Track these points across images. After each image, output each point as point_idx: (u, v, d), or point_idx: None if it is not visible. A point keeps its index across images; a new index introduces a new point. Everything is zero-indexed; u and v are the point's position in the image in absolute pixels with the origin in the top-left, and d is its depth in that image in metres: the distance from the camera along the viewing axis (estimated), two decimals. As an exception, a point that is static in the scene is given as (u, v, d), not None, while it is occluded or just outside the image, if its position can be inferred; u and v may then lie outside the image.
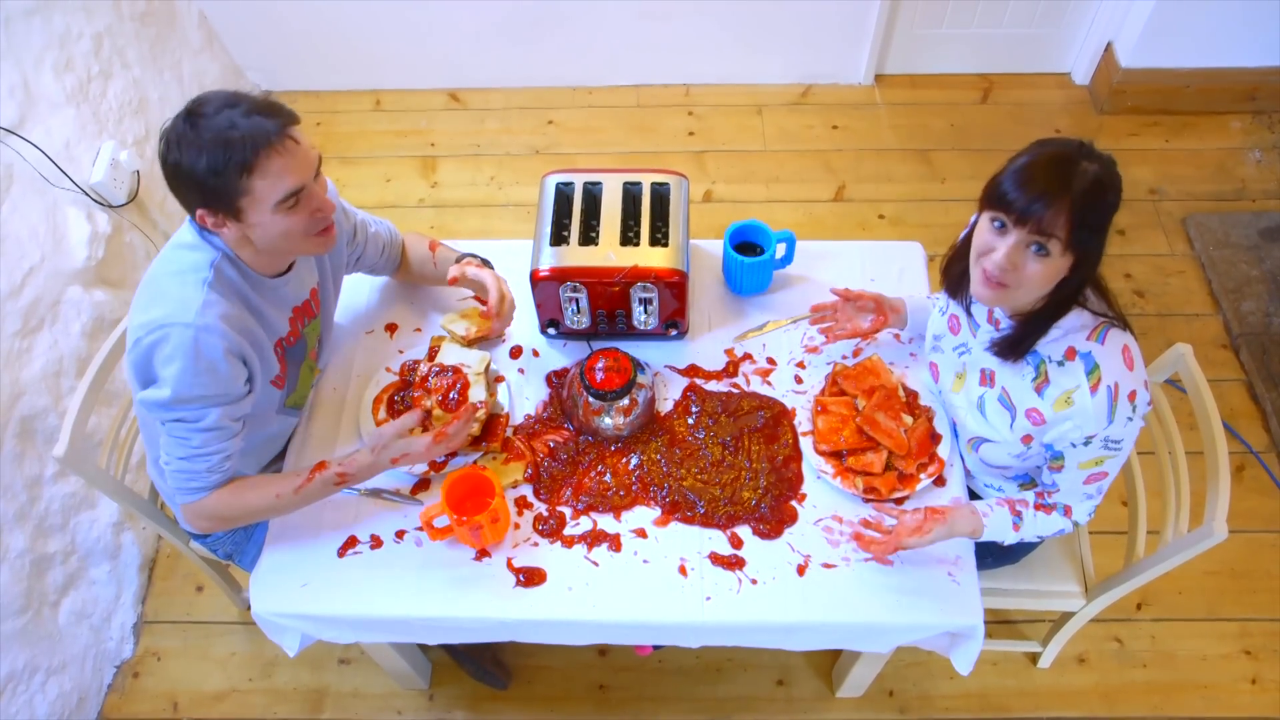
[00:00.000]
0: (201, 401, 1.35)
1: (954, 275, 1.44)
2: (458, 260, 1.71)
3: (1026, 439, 1.41)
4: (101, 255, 2.23)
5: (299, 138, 1.32)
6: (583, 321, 1.72)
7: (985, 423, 1.46)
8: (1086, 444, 1.33)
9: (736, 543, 1.52)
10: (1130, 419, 1.31)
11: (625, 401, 1.59)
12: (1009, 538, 1.45)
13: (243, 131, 1.26)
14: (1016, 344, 1.35)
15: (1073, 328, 1.32)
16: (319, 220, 1.37)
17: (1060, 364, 1.32)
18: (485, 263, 1.72)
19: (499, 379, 1.71)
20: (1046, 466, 1.43)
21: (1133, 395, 1.29)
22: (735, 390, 1.70)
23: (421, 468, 1.60)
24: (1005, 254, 1.24)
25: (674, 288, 1.64)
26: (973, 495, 1.63)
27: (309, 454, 1.64)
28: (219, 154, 1.25)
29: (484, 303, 1.67)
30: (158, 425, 1.39)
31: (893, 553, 1.44)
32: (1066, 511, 1.44)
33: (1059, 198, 1.18)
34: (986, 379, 1.45)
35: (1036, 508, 1.45)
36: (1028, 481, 1.57)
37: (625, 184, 1.72)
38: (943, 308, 1.57)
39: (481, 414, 1.59)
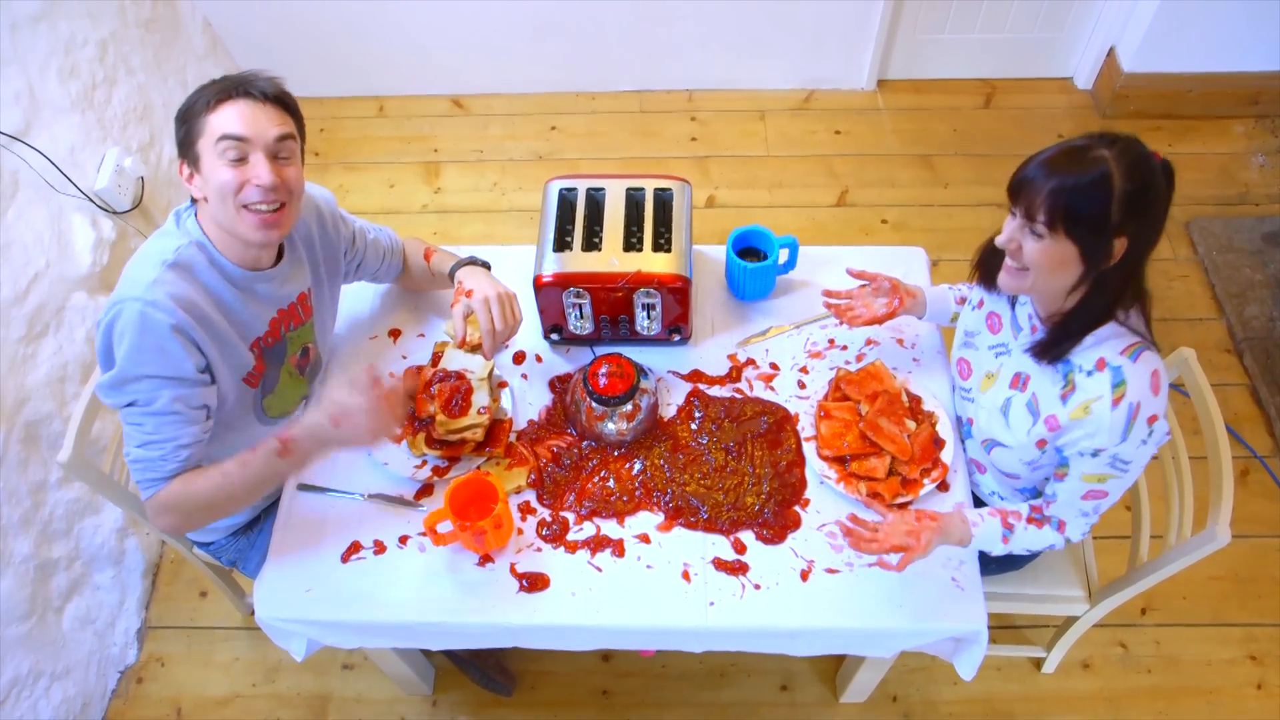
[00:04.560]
0: (150, 381, 1.34)
1: (987, 269, 1.45)
2: (453, 276, 1.68)
3: (1041, 443, 1.40)
4: (106, 261, 2.23)
5: (273, 109, 1.37)
6: (586, 327, 1.72)
7: (1005, 426, 1.46)
8: (1095, 455, 1.33)
9: (740, 548, 1.52)
10: (1144, 442, 1.30)
11: (628, 407, 1.59)
12: (997, 549, 1.44)
13: (232, 80, 1.35)
14: (1051, 346, 1.35)
15: (1107, 338, 1.31)
16: (251, 191, 1.35)
17: (1089, 374, 1.32)
18: (485, 265, 1.72)
19: (502, 384, 1.71)
20: (1053, 475, 1.43)
21: (1152, 419, 1.29)
22: (738, 395, 1.70)
23: (425, 473, 1.60)
24: (1008, 233, 1.29)
25: (677, 293, 1.64)
26: (978, 503, 1.62)
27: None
28: (204, 90, 1.35)
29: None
30: (120, 418, 1.39)
31: (885, 553, 1.38)
32: (1060, 526, 1.43)
33: (1043, 180, 1.22)
34: (1019, 383, 1.45)
35: (1029, 520, 1.44)
36: (1033, 495, 1.56)
37: (628, 189, 1.73)
38: (974, 303, 1.57)
39: (485, 420, 1.59)
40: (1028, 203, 1.24)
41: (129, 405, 1.36)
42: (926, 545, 1.37)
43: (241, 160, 1.34)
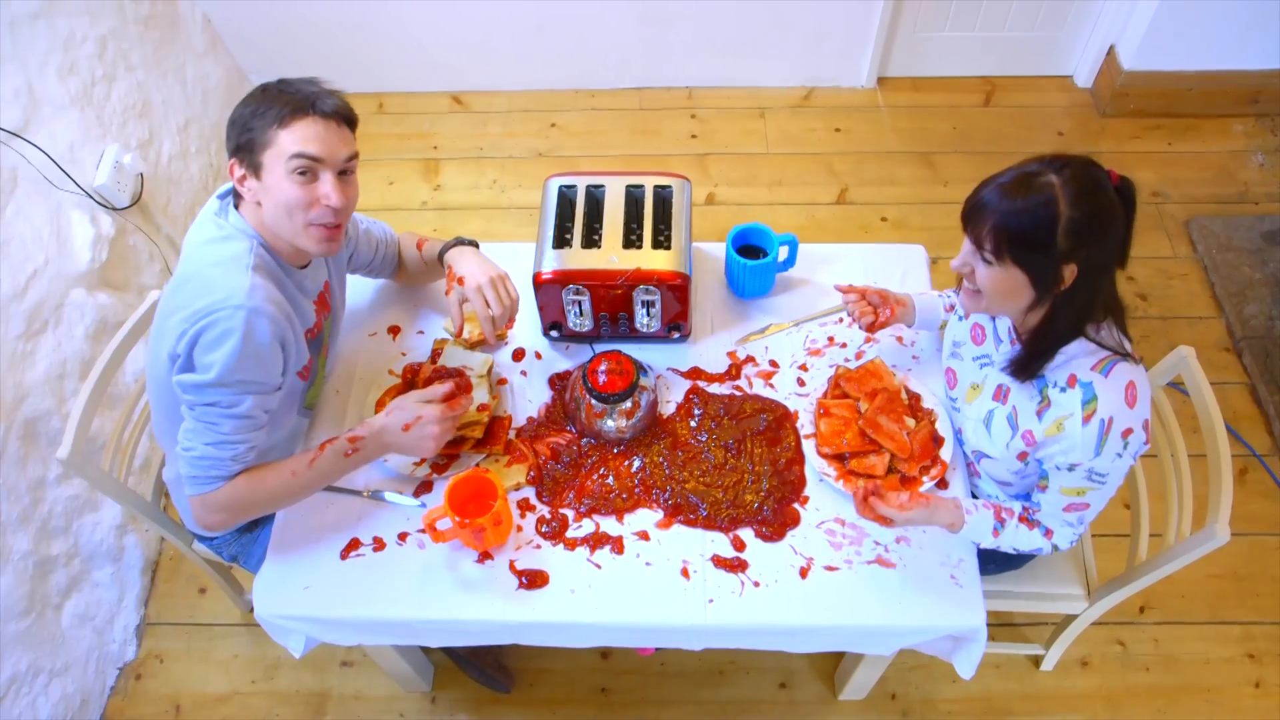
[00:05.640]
0: (241, 387, 1.34)
1: None
2: (442, 259, 1.68)
3: (1022, 456, 1.42)
4: (105, 258, 2.23)
5: (345, 129, 1.39)
6: (585, 324, 1.72)
7: (988, 438, 1.47)
8: (1071, 470, 1.34)
9: (739, 545, 1.52)
10: (1119, 455, 1.30)
11: (628, 404, 1.59)
12: (987, 541, 1.45)
13: (302, 94, 1.35)
14: (1024, 365, 1.35)
15: (1077, 355, 1.32)
16: (322, 211, 1.38)
17: (1062, 390, 1.32)
18: (473, 244, 1.70)
19: (501, 381, 1.71)
20: (1036, 485, 1.44)
21: (1127, 432, 1.29)
22: (738, 393, 1.70)
23: (424, 470, 1.60)
24: (962, 258, 1.31)
25: (676, 290, 1.64)
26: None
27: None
28: (272, 101, 1.34)
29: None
30: (184, 410, 1.37)
31: (873, 517, 1.41)
32: (1048, 533, 1.44)
33: (991, 207, 1.23)
34: (1001, 395, 1.45)
35: (1021, 519, 1.44)
36: (1028, 498, 1.56)
37: (628, 187, 1.73)
38: (961, 314, 1.57)
39: (484, 417, 1.59)
40: (976, 230, 1.25)
41: (209, 405, 1.35)
42: (906, 520, 1.39)
43: (310, 177, 1.36)
